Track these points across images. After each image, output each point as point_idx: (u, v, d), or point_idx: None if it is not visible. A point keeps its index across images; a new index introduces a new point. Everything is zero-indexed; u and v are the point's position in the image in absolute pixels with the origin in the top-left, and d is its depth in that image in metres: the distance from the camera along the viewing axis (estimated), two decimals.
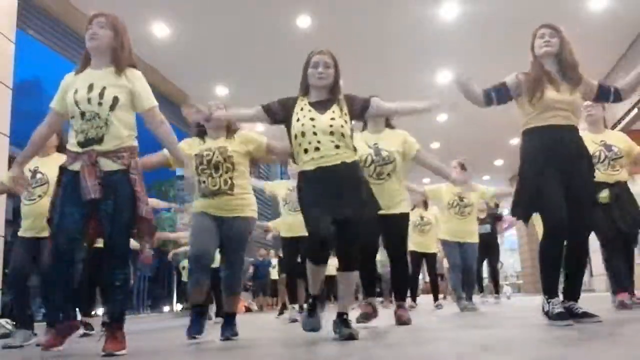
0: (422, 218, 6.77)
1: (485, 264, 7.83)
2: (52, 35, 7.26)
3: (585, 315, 2.66)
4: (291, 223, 5.12)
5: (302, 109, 2.72)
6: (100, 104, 2.45)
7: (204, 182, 3.09)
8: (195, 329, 3.04)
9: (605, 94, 3.02)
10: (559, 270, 2.78)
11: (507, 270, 18.45)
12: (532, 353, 1.80)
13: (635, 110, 8.73)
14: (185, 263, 7.97)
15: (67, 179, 2.48)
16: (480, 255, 7.30)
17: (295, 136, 2.67)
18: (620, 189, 3.93)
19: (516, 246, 18.61)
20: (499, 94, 2.94)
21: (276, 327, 4.85)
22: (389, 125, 3.78)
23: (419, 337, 2.65)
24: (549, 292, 2.71)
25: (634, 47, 8.48)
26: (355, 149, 2.76)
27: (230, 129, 3.23)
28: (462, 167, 5.17)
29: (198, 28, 7.78)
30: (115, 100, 2.47)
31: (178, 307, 16.91)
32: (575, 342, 1.97)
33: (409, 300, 7.71)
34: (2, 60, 5.59)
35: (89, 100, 2.45)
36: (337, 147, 2.62)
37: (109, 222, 2.43)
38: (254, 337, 3.42)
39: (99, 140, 2.44)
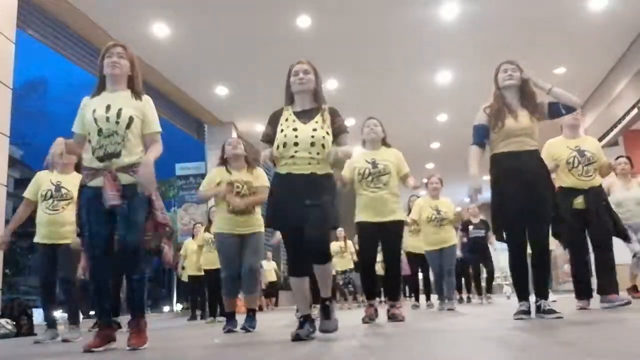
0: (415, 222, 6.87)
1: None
2: (52, 35, 7.27)
3: (551, 311, 3.05)
4: None
5: (287, 120, 2.84)
6: (117, 122, 2.71)
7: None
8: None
9: (556, 110, 3.25)
10: (526, 278, 3.24)
11: (506, 271, 18.44)
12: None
13: (635, 110, 8.74)
14: (185, 263, 7.99)
15: (89, 196, 2.70)
16: (475, 258, 7.52)
17: (277, 147, 2.77)
18: (594, 195, 4.00)
19: None
20: (483, 135, 3.27)
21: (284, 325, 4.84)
22: (385, 143, 4.22)
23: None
24: (520, 297, 3.23)
25: (634, 47, 8.49)
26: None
27: (249, 161, 4.03)
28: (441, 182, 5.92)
29: (198, 28, 7.78)
30: (131, 119, 2.73)
31: (178, 307, 16.93)
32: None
33: (412, 300, 7.87)
34: (2, 60, 5.59)
35: (107, 119, 2.70)
36: (312, 159, 2.72)
37: (124, 223, 2.66)
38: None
39: (117, 154, 2.69)
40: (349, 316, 4.92)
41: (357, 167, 4.05)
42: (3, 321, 5.24)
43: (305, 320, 2.74)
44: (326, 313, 2.74)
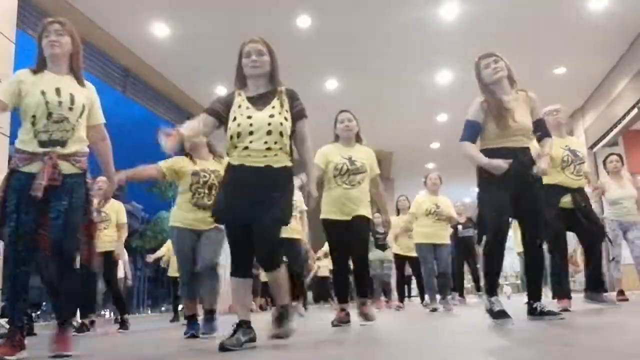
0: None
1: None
2: None
3: (550, 313, 2.97)
4: None
5: (239, 106, 2.56)
6: (71, 109, 2.54)
7: (199, 195, 3.55)
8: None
9: (535, 130, 3.20)
10: (499, 272, 3.12)
11: (506, 270, 18.45)
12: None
13: (635, 110, 8.73)
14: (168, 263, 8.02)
15: (21, 182, 2.45)
16: (460, 257, 7.55)
17: (231, 137, 2.52)
18: (582, 195, 4.02)
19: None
20: (477, 132, 3.15)
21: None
22: (359, 140, 4.04)
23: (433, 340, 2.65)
24: (490, 291, 3.03)
25: (634, 47, 8.48)
26: (291, 153, 2.61)
27: (214, 151, 3.68)
28: (440, 180, 5.96)
29: (198, 28, 7.77)
30: (84, 108, 2.60)
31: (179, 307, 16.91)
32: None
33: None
34: (2, 60, 5.59)
35: (59, 104, 2.52)
36: (269, 149, 2.48)
37: (61, 222, 2.43)
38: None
39: (63, 143, 2.51)
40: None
41: (333, 161, 3.87)
42: (2, 321, 5.24)
43: (240, 327, 2.44)
44: (281, 319, 2.55)
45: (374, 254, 8.17)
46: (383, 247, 8.04)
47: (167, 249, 7.97)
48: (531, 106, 3.19)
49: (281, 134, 2.50)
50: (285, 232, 5.06)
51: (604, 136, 10.09)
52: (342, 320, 3.74)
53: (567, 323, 2.81)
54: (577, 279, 12.87)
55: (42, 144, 2.48)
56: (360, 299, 3.88)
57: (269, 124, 2.48)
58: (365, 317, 3.78)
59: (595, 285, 4.07)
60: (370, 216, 3.92)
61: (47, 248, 2.45)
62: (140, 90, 9.13)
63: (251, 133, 2.48)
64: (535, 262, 3.13)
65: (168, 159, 3.54)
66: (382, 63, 8.81)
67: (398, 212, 7.45)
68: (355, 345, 2.57)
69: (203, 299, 3.62)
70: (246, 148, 2.48)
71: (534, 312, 3.02)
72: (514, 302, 6.34)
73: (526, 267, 3.18)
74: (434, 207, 5.78)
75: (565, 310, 3.75)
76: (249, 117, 2.51)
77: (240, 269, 2.53)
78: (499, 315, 2.88)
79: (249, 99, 2.58)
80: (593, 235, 4.01)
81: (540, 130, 3.23)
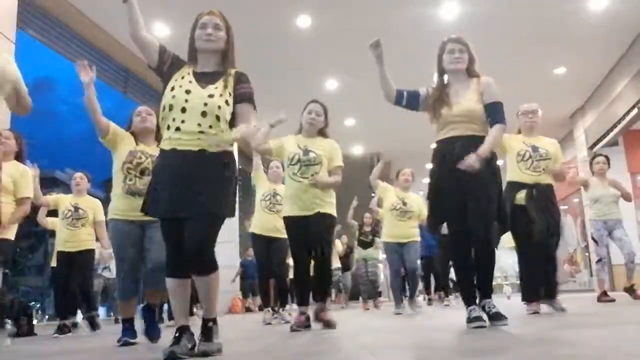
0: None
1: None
2: (52, 35, 7.26)
3: (497, 316, 2.78)
4: (265, 221, 5.10)
5: (183, 77, 2.33)
6: None
7: (130, 180, 3.19)
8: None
9: (487, 114, 2.97)
10: (470, 278, 2.93)
11: (506, 270, 18.44)
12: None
13: (635, 110, 8.73)
14: None
15: None
16: (446, 256, 7.13)
17: (163, 107, 2.27)
18: (539, 192, 3.76)
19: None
20: (411, 99, 3.12)
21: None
22: (322, 134, 3.79)
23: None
24: (467, 301, 2.88)
25: (634, 47, 8.48)
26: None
27: (159, 139, 3.03)
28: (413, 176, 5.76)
29: None
30: None
31: None
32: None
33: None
34: None
35: None
36: (202, 132, 2.20)
37: None
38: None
39: None
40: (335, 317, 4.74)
41: (287, 150, 3.65)
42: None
43: (183, 333, 2.19)
44: (208, 334, 2.20)
45: (359, 252, 8.14)
46: (368, 244, 7.93)
47: None
48: (480, 91, 2.97)
49: (217, 117, 2.23)
50: (276, 232, 4.94)
51: (604, 136, 10.09)
52: (301, 325, 3.51)
53: (566, 323, 2.80)
54: (578, 278, 12.86)
55: None
56: (319, 304, 3.63)
57: (205, 104, 2.22)
58: (326, 324, 3.54)
59: (549, 291, 3.83)
60: (330, 212, 3.63)
61: None
62: (141, 90, 9.13)
63: (184, 110, 2.22)
64: (481, 259, 2.91)
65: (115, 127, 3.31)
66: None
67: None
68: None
69: (147, 292, 3.31)
70: (178, 129, 2.22)
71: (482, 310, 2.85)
72: (513, 302, 6.34)
73: (475, 263, 2.93)
74: (399, 203, 5.50)
75: (535, 313, 3.63)
76: (187, 92, 2.26)
77: (175, 269, 2.23)
78: (474, 320, 2.77)
79: (194, 74, 2.35)
80: (527, 236, 3.69)
81: (491, 115, 2.94)
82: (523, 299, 3.82)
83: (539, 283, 3.77)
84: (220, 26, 2.39)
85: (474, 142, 2.86)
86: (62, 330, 4.88)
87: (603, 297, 5.25)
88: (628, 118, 9.06)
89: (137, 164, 3.19)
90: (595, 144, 10.44)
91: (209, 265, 2.19)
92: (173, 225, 2.21)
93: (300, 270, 3.64)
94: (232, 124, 2.31)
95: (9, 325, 5.24)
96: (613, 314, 3.61)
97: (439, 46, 3.12)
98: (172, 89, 2.29)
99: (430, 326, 3.61)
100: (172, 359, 2.02)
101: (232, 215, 2.28)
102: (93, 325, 5.32)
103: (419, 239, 5.72)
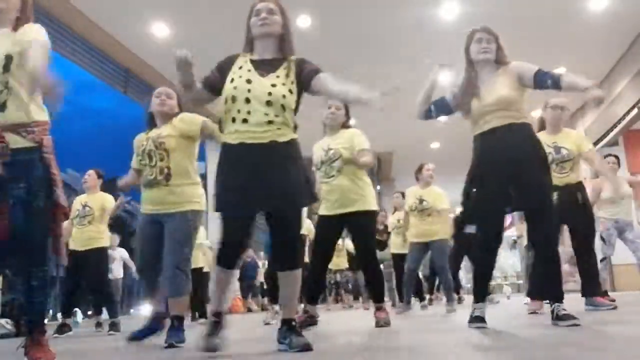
0: (398, 221, 6.77)
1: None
2: (52, 36, 7.21)
3: (566, 317, 2.63)
4: None
5: (240, 68, 2.24)
6: None
7: (145, 171, 3.04)
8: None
9: (542, 80, 2.76)
10: (490, 278, 2.91)
11: (507, 270, 18.44)
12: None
13: (635, 110, 8.73)
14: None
15: None
16: (459, 255, 6.97)
17: (226, 100, 2.19)
18: (568, 195, 3.79)
19: (516, 245, 18.56)
20: (439, 107, 2.99)
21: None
22: (345, 126, 3.69)
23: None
24: (476, 298, 2.84)
25: (634, 47, 8.48)
26: (296, 127, 2.28)
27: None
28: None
29: (198, 28, 7.75)
30: (9, 59, 2.06)
31: None
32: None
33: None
34: None
35: None
36: (270, 122, 2.13)
37: (22, 210, 2.04)
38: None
39: (1, 107, 2.03)
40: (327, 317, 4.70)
41: (315, 154, 3.62)
42: (3, 321, 5.24)
43: (219, 318, 2.15)
44: (296, 331, 2.18)
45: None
46: (384, 244, 7.73)
47: None
48: (515, 74, 2.82)
49: (283, 107, 2.16)
50: None
51: (604, 136, 10.09)
52: (303, 325, 3.32)
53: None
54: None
55: None
56: (376, 304, 3.58)
57: (270, 94, 2.15)
58: (385, 323, 3.43)
59: (591, 290, 3.91)
60: (368, 208, 3.52)
61: (5, 235, 2.05)
62: (141, 90, 9.13)
63: (248, 101, 2.14)
64: (547, 264, 2.82)
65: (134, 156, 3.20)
66: (382, 63, 8.80)
67: (394, 210, 7.34)
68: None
69: (169, 302, 3.03)
70: (245, 121, 2.14)
71: (553, 317, 2.71)
72: (513, 302, 6.35)
73: (540, 268, 2.91)
74: (416, 202, 5.44)
75: (534, 313, 3.63)
76: (248, 82, 2.17)
77: (228, 259, 2.18)
78: (474, 320, 2.78)
79: (252, 62, 2.26)
80: (581, 236, 3.80)
81: (547, 75, 2.75)
82: (530, 296, 3.89)
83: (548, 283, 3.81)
84: (275, 10, 2.30)
85: (515, 130, 2.73)
86: (62, 330, 4.84)
87: (604, 296, 5.24)
88: (628, 118, 9.06)
89: (143, 151, 3.04)
90: (595, 144, 10.43)
91: (299, 257, 2.21)
92: (240, 225, 2.15)
93: (319, 270, 3.62)
94: (296, 111, 2.29)
95: (9, 325, 5.24)
96: (616, 313, 3.61)
97: (467, 35, 3.01)
98: (232, 80, 2.21)
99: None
100: (207, 351, 2.04)
101: (314, 201, 2.28)
102: (114, 328, 4.95)
103: (446, 236, 5.58)
